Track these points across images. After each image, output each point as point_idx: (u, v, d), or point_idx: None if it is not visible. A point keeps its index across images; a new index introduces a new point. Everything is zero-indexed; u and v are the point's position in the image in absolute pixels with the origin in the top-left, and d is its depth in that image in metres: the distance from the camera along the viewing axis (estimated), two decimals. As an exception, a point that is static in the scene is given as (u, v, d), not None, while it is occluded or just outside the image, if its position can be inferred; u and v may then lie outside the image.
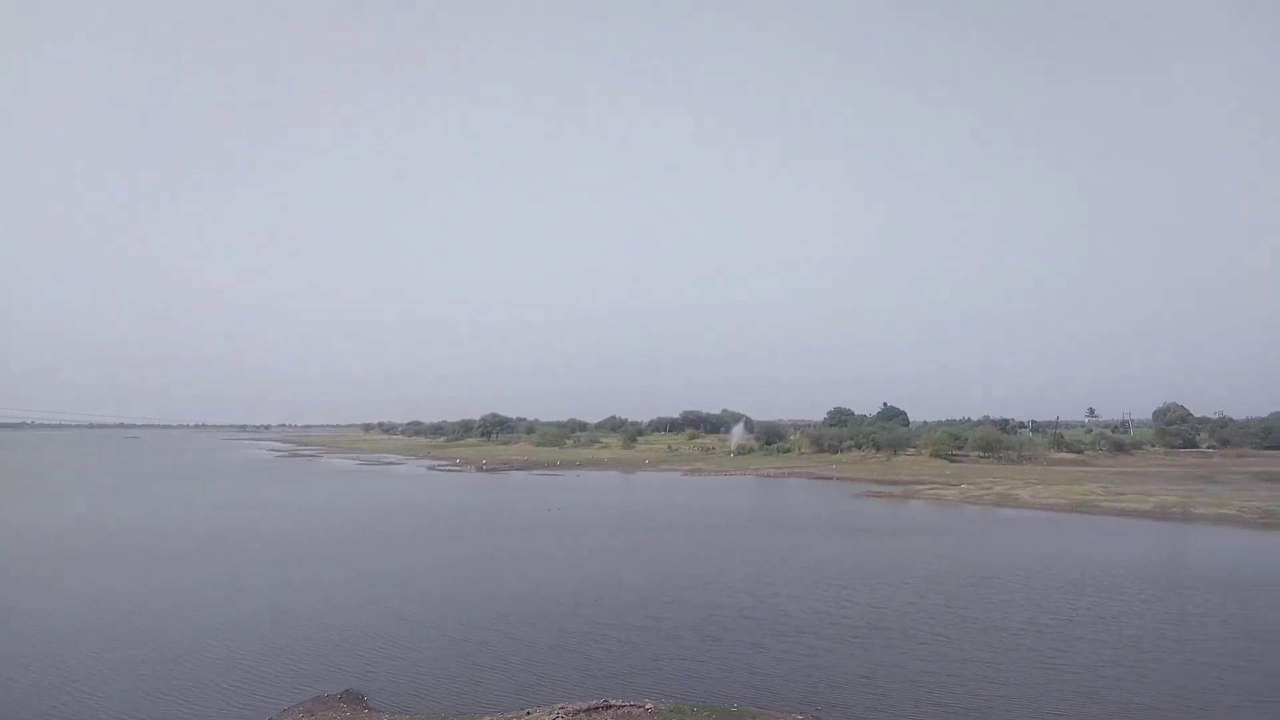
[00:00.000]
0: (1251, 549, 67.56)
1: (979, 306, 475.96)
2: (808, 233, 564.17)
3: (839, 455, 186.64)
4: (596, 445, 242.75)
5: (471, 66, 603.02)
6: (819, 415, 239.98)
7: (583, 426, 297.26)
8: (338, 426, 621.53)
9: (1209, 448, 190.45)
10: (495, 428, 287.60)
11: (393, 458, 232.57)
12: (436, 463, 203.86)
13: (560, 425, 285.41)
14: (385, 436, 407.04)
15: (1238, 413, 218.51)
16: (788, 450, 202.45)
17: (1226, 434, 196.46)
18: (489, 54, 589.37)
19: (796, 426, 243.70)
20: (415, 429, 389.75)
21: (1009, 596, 47.86)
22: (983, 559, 60.98)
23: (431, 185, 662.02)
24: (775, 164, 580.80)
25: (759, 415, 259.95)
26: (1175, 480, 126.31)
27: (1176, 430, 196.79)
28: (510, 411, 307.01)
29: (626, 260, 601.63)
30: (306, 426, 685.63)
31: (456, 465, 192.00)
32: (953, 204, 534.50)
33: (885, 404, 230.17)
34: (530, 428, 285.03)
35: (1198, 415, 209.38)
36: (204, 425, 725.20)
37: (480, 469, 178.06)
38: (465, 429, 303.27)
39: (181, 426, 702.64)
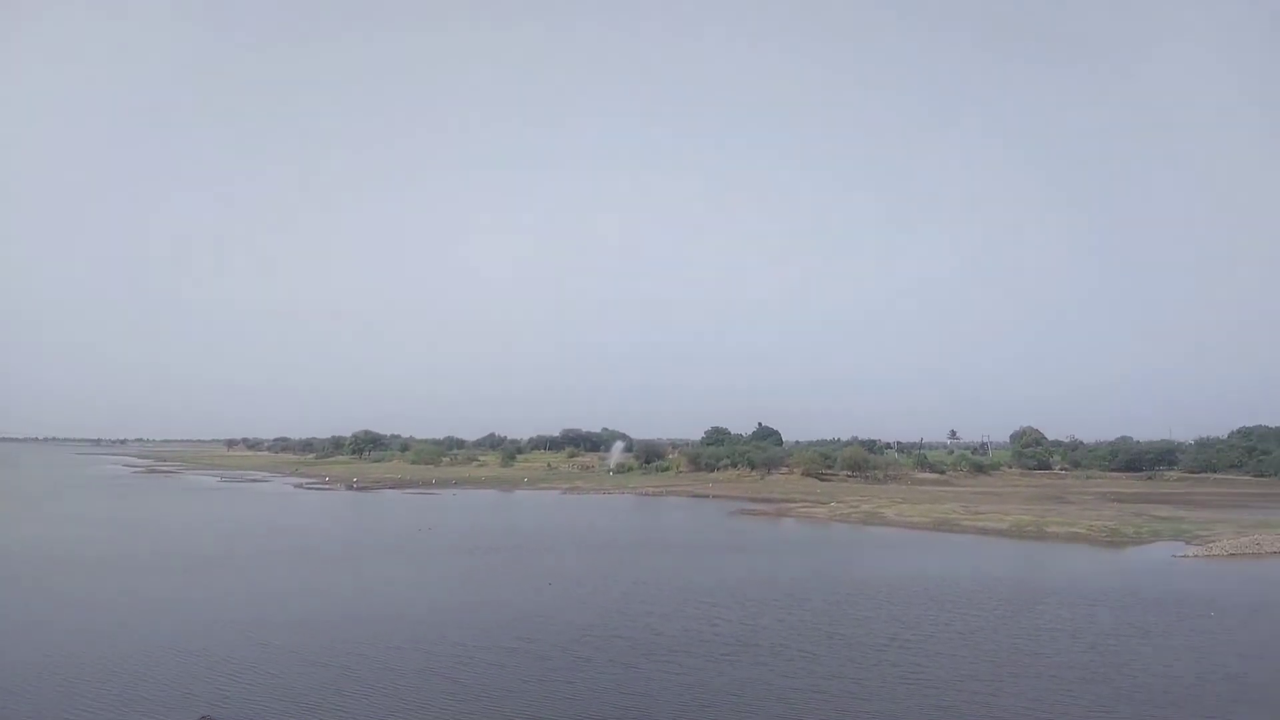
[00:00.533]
0: (1098, 566, 71.31)
1: (849, 330, 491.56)
2: (687, 250, 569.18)
3: (715, 474, 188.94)
4: (474, 463, 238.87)
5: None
6: (697, 434, 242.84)
7: (460, 444, 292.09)
8: (199, 442, 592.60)
9: (1061, 469, 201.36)
10: (367, 445, 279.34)
11: (257, 475, 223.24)
12: (304, 480, 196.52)
13: (436, 442, 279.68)
14: (250, 453, 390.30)
15: (1088, 436, 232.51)
16: (666, 469, 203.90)
17: (1077, 456, 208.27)
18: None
19: (675, 445, 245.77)
20: (282, 445, 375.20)
21: (872, 613, 49.06)
22: (848, 576, 62.44)
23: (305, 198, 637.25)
24: (658, 178, 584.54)
25: (639, 434, 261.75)
26: (1030, 500, 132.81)
27: (1032, 452, 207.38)
28: (384, 428, 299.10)
29: (510, 276, 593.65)
30: (166, 441, 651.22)
31: (325, 483, 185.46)
32: (830, 223, 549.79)
33: (760, 424, 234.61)
34: (405, 445, 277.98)
35: (1051, 438, 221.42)
36: (54, 439, 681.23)
37: (351, 487, 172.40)
38: (335, 446, 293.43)
39: (29, 439, 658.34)
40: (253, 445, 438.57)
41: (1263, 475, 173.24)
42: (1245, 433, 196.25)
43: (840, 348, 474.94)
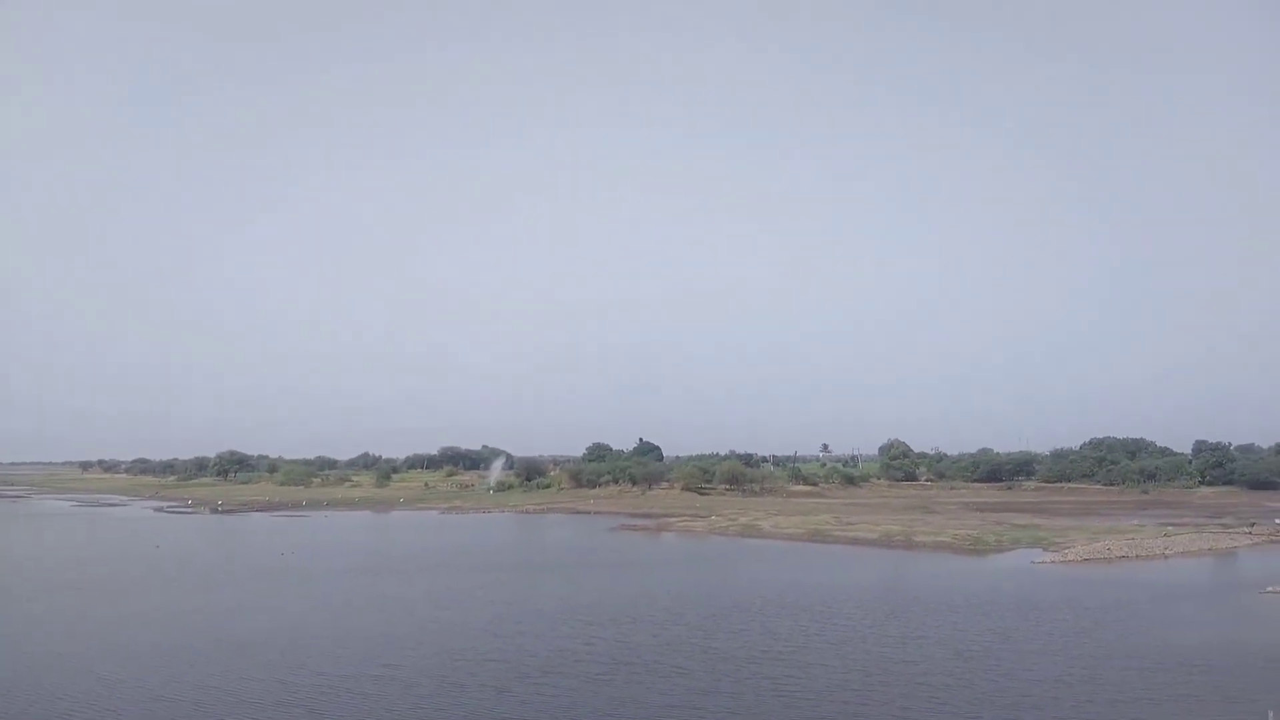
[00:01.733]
0: (962, 573, 73.71)
1: (729, 343, 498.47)
2: (568, 263, 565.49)
3: (597, 490, 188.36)
4: (347, 484, 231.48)
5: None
6: (579, 450, 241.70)
7: (332, 464, 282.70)
8: (51, 464, 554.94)
9: (927, 480, 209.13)
10: (233, 466, 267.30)
11: (115, 499, 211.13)
12: (165, 504, 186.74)
13: (307, 463, 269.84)
14: (107, 475, 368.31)
15: (951, 449, 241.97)
16: (548, 486, 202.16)
17: (942, 468, 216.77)
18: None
19: (556, 462, 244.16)
20: (142, 467, 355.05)
21: (746, 625, 49.25)
22: (724, 590, 62.65)
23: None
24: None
25: (520, 451, 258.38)
26: (899, 510, 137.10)
27: (899, 464, 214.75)
28: (251, 449, 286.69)
29: (390, 288, 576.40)
30: (13, 464, 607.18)
31: (188, 506, 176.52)
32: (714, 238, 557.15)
33: (641, 439, 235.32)
34: (273, 466, 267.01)
35: (917, 451, 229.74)
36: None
37: (215, 511, 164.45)
38: (199, 467, 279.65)
39: None
40: (109, 468, 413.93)
41: (1112, 484, 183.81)
42: (1096, 444, 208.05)
43: (718, 362, 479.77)
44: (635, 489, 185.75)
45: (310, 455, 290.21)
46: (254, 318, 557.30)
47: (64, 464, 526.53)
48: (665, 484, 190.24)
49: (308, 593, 62.92)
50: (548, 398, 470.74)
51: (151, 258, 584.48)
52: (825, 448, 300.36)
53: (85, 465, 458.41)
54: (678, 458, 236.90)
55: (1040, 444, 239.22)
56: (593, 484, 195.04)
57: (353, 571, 73.90)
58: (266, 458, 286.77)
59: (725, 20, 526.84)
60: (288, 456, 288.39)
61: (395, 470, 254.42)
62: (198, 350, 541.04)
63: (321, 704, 34.05)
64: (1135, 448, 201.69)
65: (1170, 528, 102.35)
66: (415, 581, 68.37)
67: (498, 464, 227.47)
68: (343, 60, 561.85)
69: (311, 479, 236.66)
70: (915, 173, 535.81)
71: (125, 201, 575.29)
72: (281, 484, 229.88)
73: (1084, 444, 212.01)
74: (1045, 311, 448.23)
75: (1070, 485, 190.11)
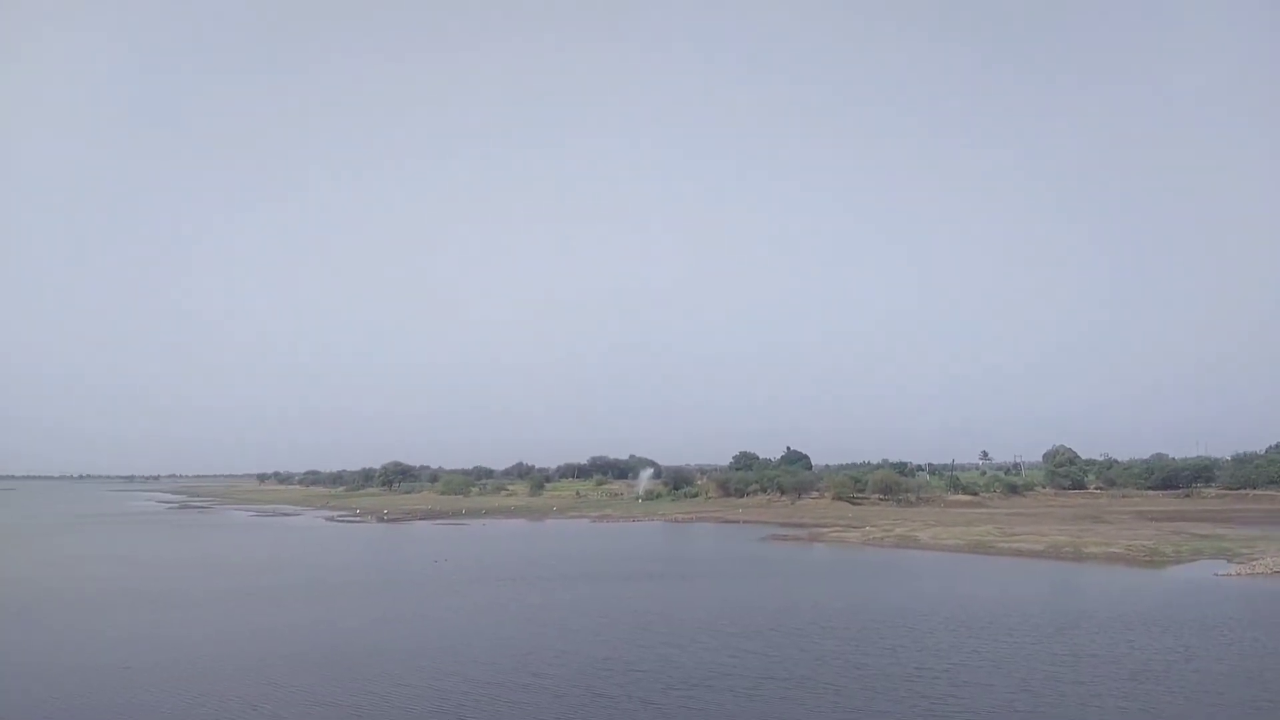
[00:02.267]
0: (1137, 586, 69.16)
1: (874, 349, 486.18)
2: (720, 271, 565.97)
3: (745, 499, 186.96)
4: (503, 493, 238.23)
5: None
6: (725, 460, 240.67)
7: (489, 474, 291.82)
8: (231, 476, 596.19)
9: (1096, 488, 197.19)
10: (397, 476, 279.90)
11: (289, 509, 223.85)
12: (335, 513, 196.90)
13: (465, 473, 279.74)
14: (281, 487, 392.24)
15: (1121, 454, 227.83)
16: (695, 495, 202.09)
17: (1112, 475, 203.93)
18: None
19: (703, 471, 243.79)
20: (313, 478, 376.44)
21: (902, 641, 47.42)
22: (878, 603, 60.67)
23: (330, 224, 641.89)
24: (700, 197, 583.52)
25: (667, 460, 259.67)
26: (1066, 520, 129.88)
27: (1065, 472, 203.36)
28: (413, 459, 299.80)
29: (536, 304, 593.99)
30: (198, 477, 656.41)
31: (356, 516, 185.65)
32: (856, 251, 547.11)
33: (789, 448, 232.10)
34: (434, 476, 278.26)
35: (1085, 457, 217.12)
36: (88, 476, 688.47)
37: (381, 519, 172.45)
38: (365, 478, 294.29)
39: (64, 477, 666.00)
40: (284, 479, 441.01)
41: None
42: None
43: (866, 368, 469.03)
44: (784, 498, 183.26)
45: (468, 465, 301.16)
46: (418, 337, 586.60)
47: (243, 475, 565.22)
48: (815, 493, 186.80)
49: (461, 600, 64.71)
50: (693, 406, 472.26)
51: (334, 275, 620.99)
52: (985, 455, 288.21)
53: (262, 477, 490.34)
54: (827, 466, 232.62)
55: (1220, 448, 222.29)
56: (740, 493, 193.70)
57: (505, 579, 75.67)
58: (428, 468, 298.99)
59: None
60: (448, 467, 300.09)
61: (548, 479, 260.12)
62: (368, 364, 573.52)
63: (471, 711, 34.92)
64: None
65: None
66: (564, 590, 69.35)
67: (646, 473, 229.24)
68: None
69: (470, 488, 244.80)
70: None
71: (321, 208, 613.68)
72: (442, 493, 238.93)
73: (1270, 447, 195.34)
74: (1232, 316, 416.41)
75: (1256, 492, 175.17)
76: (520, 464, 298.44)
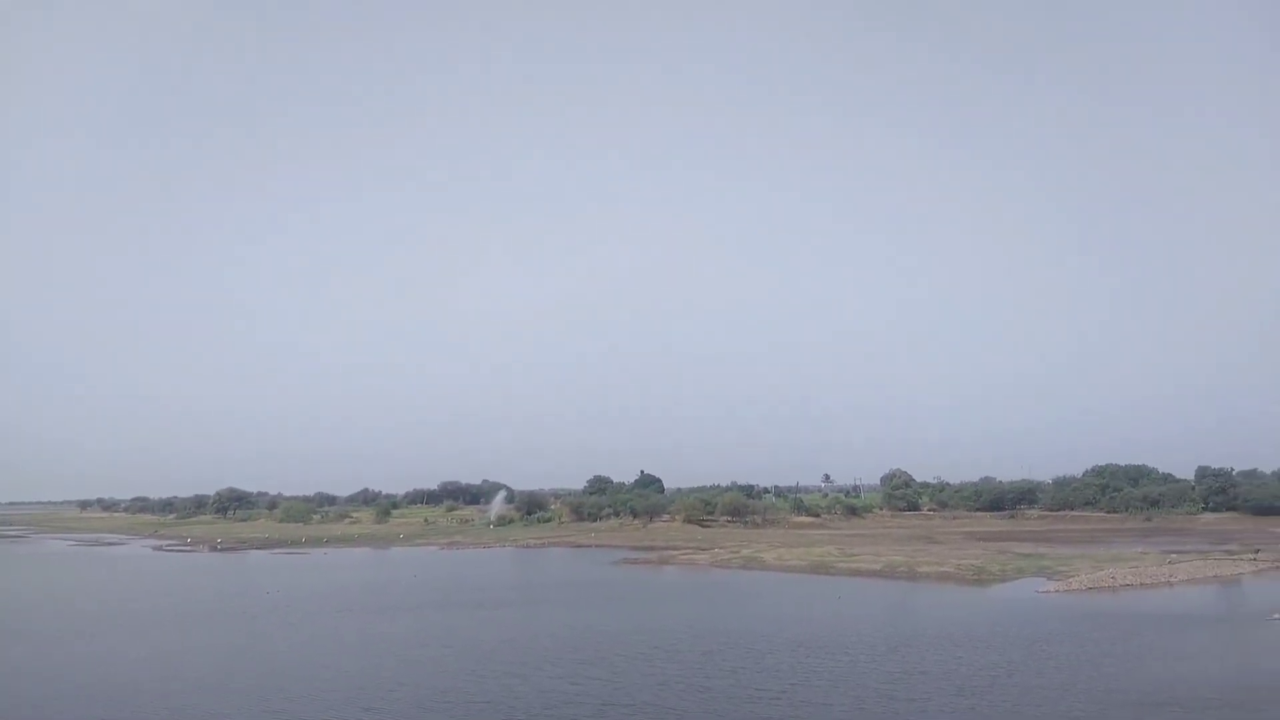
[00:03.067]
0: (965, 604, 72.57)
1: (723, 375, 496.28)
2: (582, 299, 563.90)
3: (598, 523, 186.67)
4: (347, 520, 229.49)
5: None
6: (580, 484, 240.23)
7: (332, 500, 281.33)
8: (50, 504, 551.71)
9: (929, 510, 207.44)
10: (232, 504, 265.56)
11: (114, 537, 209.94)
12: (164, 542, 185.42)
13: (306, 500, 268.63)
14: (105, 515, 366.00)
15: (953, 477, 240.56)
16: (548, 520, 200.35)
17: (944, 497, 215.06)
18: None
19: (557, 495, 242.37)
20: (141, 505, 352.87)
21: (744, 663, 47.94)
22: (723, 624, 61.35)
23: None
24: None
25: (520, 485, 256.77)
26: (901, 541, 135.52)
27: (901, 494, 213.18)
28: (250, 486, 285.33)
29: (385, 323, 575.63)
30: (11, 504, 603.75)
31: (187, 545, 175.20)
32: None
33: (642, 471, 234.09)
34: (273, 503, 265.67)
35: (919, 480, 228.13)
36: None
37: (215, 548, 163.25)
38: (198, 505, 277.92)
39: None
40: (108, 506, 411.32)
41: (1114, 511, 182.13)
42: (1099, 471, 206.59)
43: (716, 393, 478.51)
44: (636, 522, 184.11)
45: (310, 492, 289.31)
46: (251, 352, 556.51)
47: (63, 503, 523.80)
48: (667, 516, 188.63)
49: (295, 633, 61.69)
50: (548, 432, 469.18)
51: (149, 291, 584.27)
52: (827, 478, 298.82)
53: (84, 504, 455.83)
54: (679, 489, 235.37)
55: (1042, 472, 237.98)
56: (594, 517, 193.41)
57: (344, 610, 72.65)
58: (266, 495, 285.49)
59: (725, 41, 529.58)
60: (287, 494, 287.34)
61: (395, 506, 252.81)
62: (195, 386, 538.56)
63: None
64: (1138, 474, 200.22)
65: (1174, 555, 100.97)
66: (405, 620, 67.13)
67: (498, 498, 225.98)
68: (342, 73, 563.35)
69: (311, 516, 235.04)
70: (908, 195, 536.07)
71: (121, 235, 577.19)
72: (281, 521, 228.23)
73: (1086, 471, 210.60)
74: (1046, 338, 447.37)
75: (1073, 513, 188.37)
76: (366, 490, 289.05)
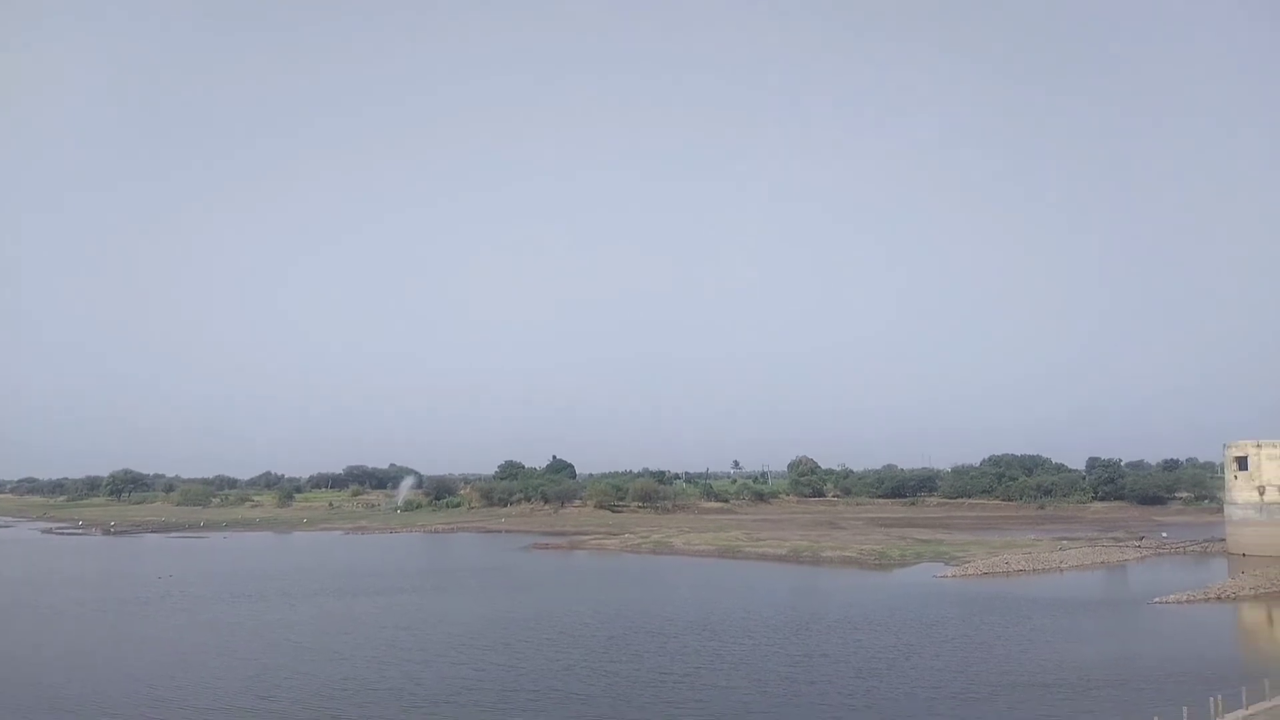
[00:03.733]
0: (866, 588, 74.27)
1: (629, 362, 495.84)
2: (480, 284, 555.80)
3: (508, 509, 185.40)
4: (248, 504, 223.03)
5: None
6: (490, 469, 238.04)
7: (233, 483, 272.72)
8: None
9: (834, 496, 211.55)
10: (128, 485, 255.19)
11: (1, 519, 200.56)
12: (55, 525, 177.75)
13: (206, 482, 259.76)
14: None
15: (857, 465, 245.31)
16: (457, 505, 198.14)
17: (849, 484, 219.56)
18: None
19: (467, 480, 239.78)
20: (29, 486, 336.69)
21: (650, 646, 48.22)
22: (631, 609, 61.49)
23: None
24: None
25: (430, 470, 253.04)
26: (807, 526, 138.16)
27: (807, 481, 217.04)
28: (147, 467, 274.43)
29: (293, 300, 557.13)
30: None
31: (79, 528, 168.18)
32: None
33: (554, 457, 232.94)
34: (170, 486, 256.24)
35: (825, 467, 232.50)
36: None
37: (108, 532, 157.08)
38: (90, 487, 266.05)
39: None
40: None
41: (1010, 499, 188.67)
42: (995, 460, 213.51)
43: (630, 380, 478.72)
44: (547, 507, 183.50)
45: (209, 475, 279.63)
46: (149, 328, 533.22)
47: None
48: (578, 502, 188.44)
49: (189, 619, 59.72)
50: (460, 415, 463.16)
51: (38, 261, 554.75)
52: (736, 464, 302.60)
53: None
54: (591, 475, 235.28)
55: (942, 460, 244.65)
56: (504, 502, 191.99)
57: (242, 596, 70.44)
58: (163, 477, 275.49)
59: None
60: (185, 476, 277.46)
61: (299, 490, 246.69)
62: (89, 363, 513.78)
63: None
64: (1032, 464, 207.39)
65: (1065, 542, 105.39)
66: (305, 606, 65.45)
67: (406, 483, 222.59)
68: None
69: (210, 499, 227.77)
70: (853, 188, 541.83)
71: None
72: (179, 504, 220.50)
73: (984, 460, 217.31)
74: (944, 330, 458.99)
75: (970, 501, 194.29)
76: (268, 473, 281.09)
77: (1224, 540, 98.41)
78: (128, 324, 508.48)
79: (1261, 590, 67.70)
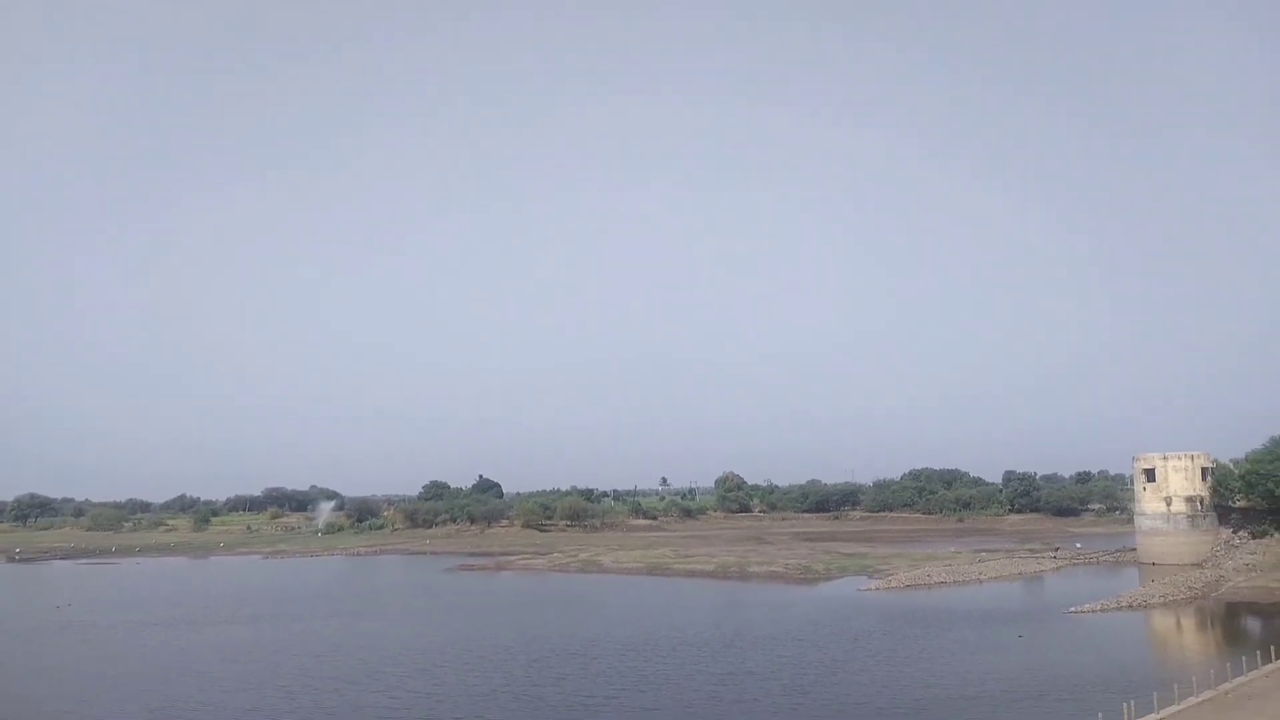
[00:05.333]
0: (793, 602, 74.43)
1: (549, 381, 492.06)
2: (405, 299, 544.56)
3: (434, 530, 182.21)
4: (161, 528, 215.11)
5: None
6: (415, 490, 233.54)
7: (146, 507, 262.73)
8: None
9: (760, 511, 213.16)
10: (34, 510, 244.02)
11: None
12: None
13: (117, 506, 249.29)
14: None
15: (781, 480, 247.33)
16: (381, 527, 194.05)
17: (774, 499, 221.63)
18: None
19: (391, 502, 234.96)
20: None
21: (572, 668, 47.42)
22: (557, 630, 60.55)
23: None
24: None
25: (352, 491, 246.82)
26: (734, 541, 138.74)
27: (734, 496, 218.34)
28: (54, 491, 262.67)
29: (209, 316, 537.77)
30: None
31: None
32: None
33: (481, 476, 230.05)
34: (79, 510, 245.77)
35: (750, 483, 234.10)
36: None
37: (11, 559, 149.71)
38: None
39: None
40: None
41: (930, 513, 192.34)
42: (915, 474, 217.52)
43: (556, 396, 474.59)
44: (474, 527, 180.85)
45: (121, 498, 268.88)
46: (52, 341, 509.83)
47: None
48: (505, 521, 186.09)
49: (90, 649, 56.99)
50: (381, 434, 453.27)
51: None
52: (664, 481, 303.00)
53: None
54: (518, 494, 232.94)
55: (863, 475, 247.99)
56: (429, 524, 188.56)
57: (147, 624, 67.48)
58: (72, 501, 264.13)
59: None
60: (95, 499, 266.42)
61: (215, 513, 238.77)
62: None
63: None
64: (951, 478, 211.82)
65: (984, 553, 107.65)
66: (212, 633, 63.05)
67: (326, 506, 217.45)
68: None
69: (122, 523, 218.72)
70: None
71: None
72: (88, 529, 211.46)
73: (904, 474, 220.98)
74: (860, 347, 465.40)
75: (892, 514, 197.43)
76: (183, 496, 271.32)
77: (1135, 550, 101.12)
78: (35, 338, 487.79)
79: (1170, 598, 69.87)
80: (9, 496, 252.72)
